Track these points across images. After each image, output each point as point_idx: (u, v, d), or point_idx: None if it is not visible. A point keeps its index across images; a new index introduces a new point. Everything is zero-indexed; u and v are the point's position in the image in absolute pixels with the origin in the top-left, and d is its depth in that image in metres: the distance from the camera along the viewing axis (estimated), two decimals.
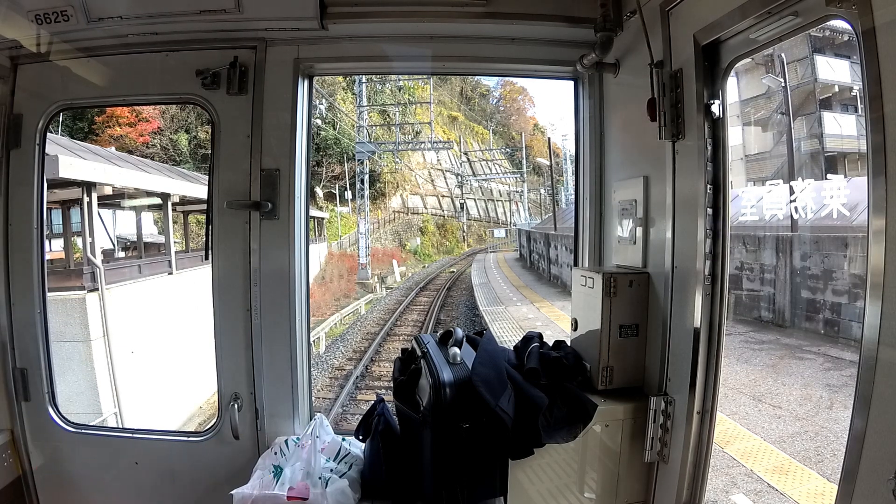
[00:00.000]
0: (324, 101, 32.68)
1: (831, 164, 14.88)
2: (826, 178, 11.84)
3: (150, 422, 9.27)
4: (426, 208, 47.92)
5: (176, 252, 12.62)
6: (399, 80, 38.85)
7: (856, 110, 14.96)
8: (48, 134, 2.40)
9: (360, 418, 2.16)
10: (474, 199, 57.19)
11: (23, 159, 2.28)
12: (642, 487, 1.96)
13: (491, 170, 59.22)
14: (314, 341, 14.32)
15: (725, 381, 6.95)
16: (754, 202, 11.69)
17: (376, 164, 39.10)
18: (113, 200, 13.01)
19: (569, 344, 2.11)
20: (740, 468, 5.29)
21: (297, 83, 2.23)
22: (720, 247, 1.71)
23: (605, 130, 2.33)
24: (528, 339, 2.05)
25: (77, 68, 2.24)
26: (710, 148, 1.69)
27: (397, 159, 41.08)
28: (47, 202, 2.57)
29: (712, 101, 1.68)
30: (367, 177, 29.68)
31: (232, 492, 1.93)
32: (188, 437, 2.56)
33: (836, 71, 15.63)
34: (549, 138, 47.36)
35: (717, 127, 1.70)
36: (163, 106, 27.05)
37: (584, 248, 2.43)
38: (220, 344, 2.29)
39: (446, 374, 1.74)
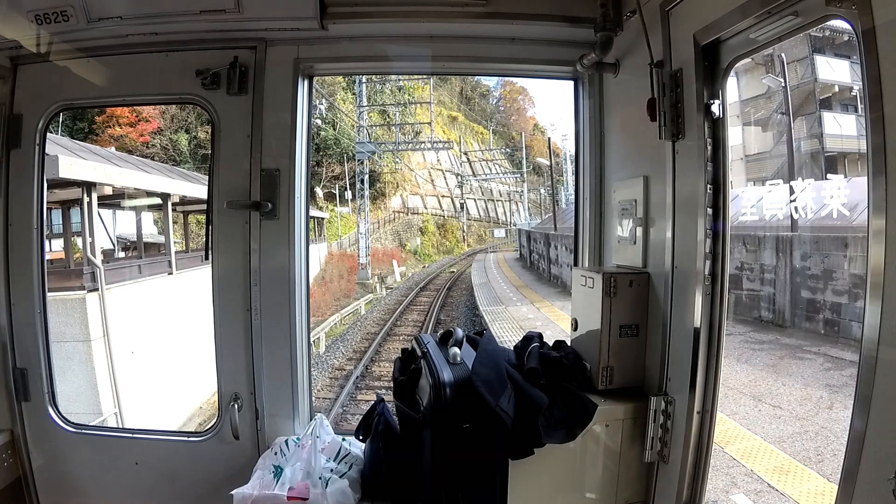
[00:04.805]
0: (324, 101, 32.69)
1: (831, 164, 14.87)
2: (826, 178, 11.83)
3: (150, 422, 9.27)
4: (426, 208, 47.91)
5: (176, 252, 12.62)
6: (399, 80, 38.85)
7: (856, 110, 14.94)
8: (48, 134, 2.40)
9: (360, 418, 2.17)
10: (474, 199, 57.20)
11: (23, 159, 2.28)
12: (642, 487, 1.96)
13: (491, 170, 59.21)
14: (314, 341, 14.31)
15: (725, 381, 6.93)
16: (754, 202, 11.68)
17: (376, 164, 39.09)
18: (113, 200, 13.02)
19: (569, 344, 2.11)
20: (740, 468, 5.29)
21: (297, 83, 2.23)
22: (720, 247, 1.71)
23: (605, 130, 2.33)
24: (528, 339, 2.05)
25: (77, 68, 2.23)
26: (710, 148, 1.69)
27: (397, 159, 41.07)
28: (47, 202, 2.57)
29: (712, 101, 1.68)
30: (367, 177, 29.68)
31: (232, 492, 1.93)
32: (188, 437, 2.56)
33: (836, 71, 15.62)
34: (549, 138, 47.26)
35: (717, 127, 1.70)
36: (163, 106, 27.04)
37: (584, 248, 2.43)
38: (220, 344, 2.29)
39: (446, 374, 1.74)
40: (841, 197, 9.66)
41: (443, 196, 51.69)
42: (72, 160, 9.07)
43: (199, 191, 13.16)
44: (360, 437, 2.13)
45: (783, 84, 13.41)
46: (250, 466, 2.10)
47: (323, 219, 31.47)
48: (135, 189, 11.76)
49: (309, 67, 2.28)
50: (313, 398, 2.50)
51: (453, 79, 58.77)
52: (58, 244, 12.19)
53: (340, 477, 1.99)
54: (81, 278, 9.17)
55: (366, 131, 31.23)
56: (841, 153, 15.03)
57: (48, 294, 2.39)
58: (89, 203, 9.64)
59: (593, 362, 1.96)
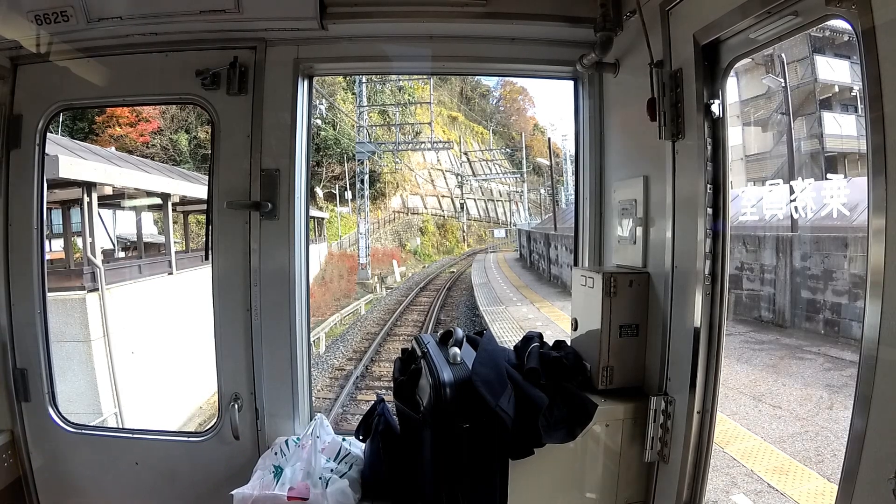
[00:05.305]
0: (324, 101, 32.67)
1: (831, 164, 14.86)
2: (826, 178, 11.82)
3: (150, 422, 9.27)
4: (426, 208, 47.90)
5: (176, 252, 12.62)
6: (399, 80, 38.83)
7: (856, 110, 14.94)
8: (48, 134, 2.40)
9: (360, 418, 2.17)
10: (474, 199, 57.19)
11: (23, 159, 2.28)
12: (642, 487, 1.96)
13: (491, 170, 59.21)
14: (314, 341, 14.31)
15: (725, 381, 6.94)
16: (754, 202, 11.68)
17: (376, 165, 39.08)
18: (113, 200, 13.01)
19: (569, 344, 2.11)
20: (740, 468, 5.29)
21: (297, 83, 2.23)
22: (720, 247, 1.71)
23: (605, 130, 2.33)
24: (528, 339, 2.05)
25: (77, 68, 2.23)
26: (710, 148, 1.69)
27: (397, 159, 41.06)
28: (47, 202, 2.57)
29: (712, 101, 1.68)
30: (367, 177, 29.67)
31: (232, 492, 1.93)
32: (188, 437, 2.56)
33: (836, 71, 15.62)
34: (549, 138, 47.21)
35: (717, 127, 1.70)
36: (163, 106, 27.04)
37: (584, 248, 2.43)
38: (220, 344, 2.29)
39: (446, 374, 1.74)
40: (841, 197, 9.66)
41: (443, 196, 51.68)
42: (72, 160, 9.07)
43: (199, 191, 13.16)
44: (360, 437, 2.13)
45: (783, 84, 13.41)
46: (250, 466, 2.10)
47: (323, 219, 31.47)
48: (135, 189, 11.76)
49: (309, 67, 2.28)
50: (313, 398, 2.50)
51: (453, 79, 58.76)
52: (58, 244, 12.20)
53: (340, 477, 1.99)
54: (81, 278, 9.17)
55: (366, 131, 31.21)
56: (841, 153, 15.02)
57: (48, 294, 2.39)
58: (89, 203, 9.63)
59: (593, 362, 1.96)
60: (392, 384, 2.07)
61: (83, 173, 9.19)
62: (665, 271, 1.83)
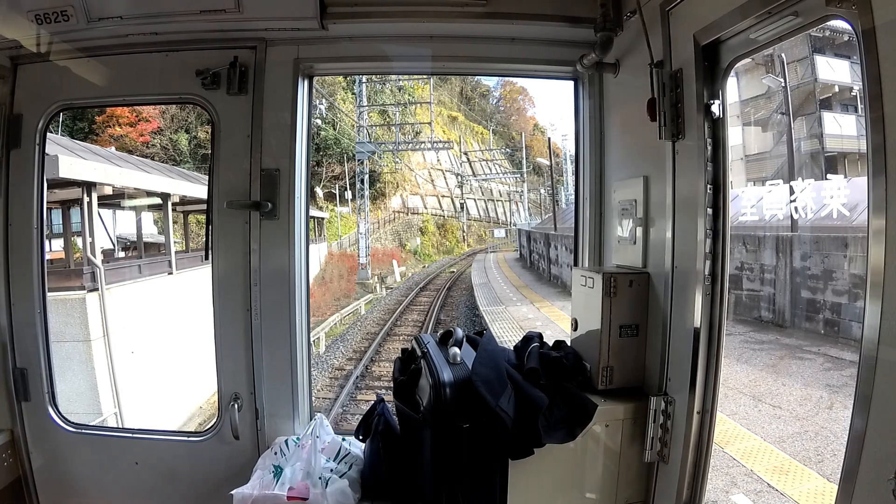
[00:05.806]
0: (324, 101, 32.67)
1: (831, 164, 14.85)
2: (826, 178, 11.82)
3: (150, 422, 9.27)
4: (426, 208, 47.90)
5: (176, 252, 12.62)
6: (399, 80, 38.88)
7: (856, 110, 14.93)
8: (48, 134, 2.40)
9: (360, 418, 2.17)
10: (474, 199, 57.20)
11: (23, 159, 2.28)
12: (642, 487, 1.96)
13: (491, 170, 59.22)
14: (314, 341, 14.31)
15: (725, 381, 6.93)
16: (754, 202, 11.68)
17: (376, 164, 39.09)
18: (113, 200, 13.02)
19: (569, 344, 2.11)
20: (740, 468, 5.29)
21: (297, 83, 2.23)
22: (720, 247, 1.71)
23: (605, 130, 2.33)
24: (528, 339, 2.05)
25: (77, 68, 2.24)
26: (710, 148, 1.69)
27: (397, 159, 41.07)
28: (47, 202, 2.57)
29: (712, 101, 1.68)
30: (367, 177, 29.67)
31: (232, 492, 1.93)
32: (188, 437, 2.56)
33: (836, 71, 15.60)
34: (549, 138, 47.23)
35: (717, 127, 1.70)
36: (163, 106, 27.04)
37: (584, 248, 2.43)
38: (220, 344, 2.29)
39: (446, 374, 1.74)
40: (841, 197, 9.65)
41: (443, 196, 51.68)
42: (72, 160, 9.07)
43: (199, 191, 13.16)
44: (360, 437, 2.13)
45: (783, 84, 13.40)
46: (250, 466, 2.10)
47: (323, 219, 31.48)
48: (135, 189, 11.76)
49: (309, 67, 2.28)
50: (313, 398, 2.50)
51: (453, 79, 58.76)
52: (58, 244, 12.19)
53: (340, 477, 1.99)
54: (81, 278, 9.17)
55: (366, 131, 31.20)
56: (841, 153, 15.01)
57: (48, 294, 2.39)
58: (89, 203, 9.64)
59: (593, 362, 1.96)
60: (392, 384, 2.07)
61: (83, 173, 9.19)
62: (665, 271, 1.83)
